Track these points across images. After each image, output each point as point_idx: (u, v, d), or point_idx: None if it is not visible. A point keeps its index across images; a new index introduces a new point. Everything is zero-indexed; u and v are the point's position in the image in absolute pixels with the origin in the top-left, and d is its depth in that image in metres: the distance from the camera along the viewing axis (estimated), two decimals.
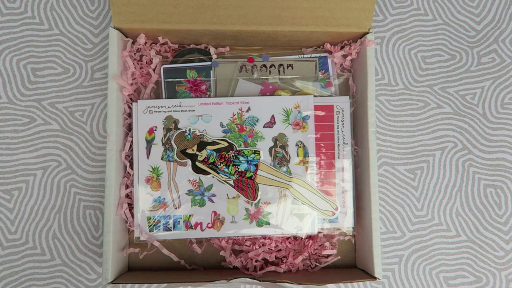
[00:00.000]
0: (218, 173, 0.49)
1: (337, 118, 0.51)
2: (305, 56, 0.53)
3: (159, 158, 0.49)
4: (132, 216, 0.49)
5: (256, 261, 0.51)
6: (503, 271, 0.55)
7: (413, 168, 0.56)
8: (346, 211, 0.50)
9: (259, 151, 0.49)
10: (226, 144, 0.49)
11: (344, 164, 0.50)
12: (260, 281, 0.44)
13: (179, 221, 0.49)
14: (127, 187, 0.50)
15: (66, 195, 0.53)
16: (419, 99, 0.56)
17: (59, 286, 0.52)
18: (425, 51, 0.57)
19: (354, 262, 0.53)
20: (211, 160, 0.49)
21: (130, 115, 0.51)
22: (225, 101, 0.50)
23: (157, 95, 0.53)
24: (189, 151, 0.49)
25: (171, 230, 0.49)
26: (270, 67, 0.53)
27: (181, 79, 0.52)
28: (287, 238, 0.51)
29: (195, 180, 0.49)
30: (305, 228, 0.49)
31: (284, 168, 0.49)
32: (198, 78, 0.52)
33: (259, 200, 0.49)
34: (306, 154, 0.50)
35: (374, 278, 0.46)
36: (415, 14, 0.57)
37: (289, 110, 0.50)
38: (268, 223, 0.49)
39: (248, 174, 0.49)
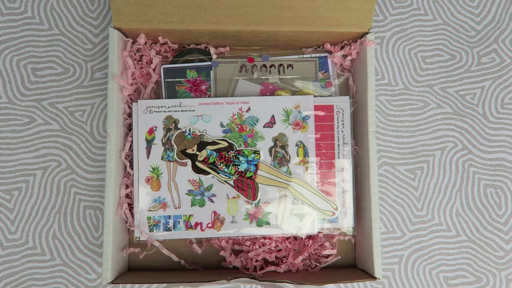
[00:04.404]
0: (218, 173, 0.49)
1: (337, 118, 0.51)
2: (305, 56, 0.53)
3: (159, 158, 0.49)
4: (132, 216, 0.49)
5: (256, 261, 0.51)
6: (503, 271, 0.55)
7: (413, 168, 0.56)
8: (346, 211, 0.50)
9: (259, 151, 0.49)
10: (226, 144, 0.49)
11: (344, 164, 0.50)
12: (260, 281, 0.44)
13: (179, 221, 0.49)
14: (127, 187, 0.50)
15: (66, 195, 0.53)
16: (419, 99, 0.56)
17: (59, 286, 0.52)
18: (425, 51, 0.57)
19: (354, 262, 0.53)
20: (211, 160, 0.49)
21: (130, 115, 0.51)
22: (225, 101, 0.50)
23: (157, 95, 0.53)
24: (189, 151, 0.49)
25: (171, 230, 0.49)
26: (270, 67, 0.53)
27: (181, 79, 0.52)
28: (287, 238, 0.51)
29: (195, 180, 0.49)
30: (305, 228, 0.49)
31: (284, 168, 0.49)
32: (198, 78, 0.52)
33: (259, 200, 0.49)
34: (306, 154, 0.50)
35: (374, 278, 0.46)
36: (415, 14, 0.57)
37: (289, 110, 0.50)
38: (268, 223, 0.49)
39: (248, 174, 0.49)
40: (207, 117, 0.50)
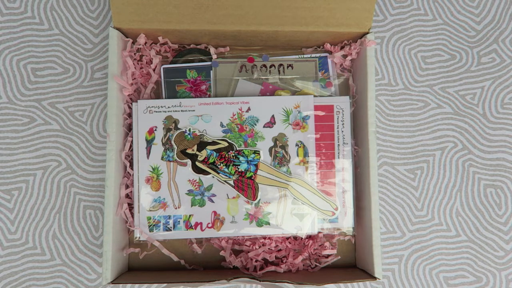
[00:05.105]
0: (218, 173, 0.49)
1: (337, 118, 0.51)
2: (305, 56, 0.53)
3: (159, 158, 0.49)
4: (132, 216, 0.49)
5: (256, 261, 0.51)
6: (503, 271, 0.55)
7: (413, 168, 0.56)
8: (346, 211, 0.50)
9: (259, 151, 0.49)
10: (226, 144, 0.49)
11: (344, 164, 0.50)
12: (260, 281, 0.44)
13: (179, 221, 0.49)
14: (127, 187, 0.50)
15: (66, 195, 0.53)
16: (419, 99, 0.56)
17: (59, 286, 0.52)
18: (425, 51, 0.57)
19: (354, 262, 0.53)
20: (211, 160, 0.49)
21: (130, 115, 0.51)
22: (225, 101, 0.50)
23: (157, 95, 0.53)
24: (189, 151, 0.49)
25: (171, 230, 0.49)
26: (270, 67, 0.53)
27: (181, 79, 0.52)
28: (287, 238, 0.51)
29: (195, 180, 0.49)
30: (305, 228, 0.49)
31: (284, 168, 0.49)
32: (198, 78, 0.52)
33: (259, 200, 0.49)
34: (306, 154, 0.50)
35: (374, 278, 0.46)
36: (415, 14, 0.57)
37: (289, 110, 0.50)
38: (268, 223, 0.49)
39: (248, 174, 0.49)
40: (207, 117, 0.50)
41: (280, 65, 0.53)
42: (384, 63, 0.57)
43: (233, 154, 0.49)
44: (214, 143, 0.49)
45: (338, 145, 0.51)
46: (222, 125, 0.50)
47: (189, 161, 0.49)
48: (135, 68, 0.51)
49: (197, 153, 0.49)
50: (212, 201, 0.49)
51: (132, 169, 0.49)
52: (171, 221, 0.49)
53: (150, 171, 0.49)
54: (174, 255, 0.51)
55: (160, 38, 0.51)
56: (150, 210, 0.49)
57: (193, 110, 0.50)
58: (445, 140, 0.56)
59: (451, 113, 0.56)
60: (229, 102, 0.50)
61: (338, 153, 0.51)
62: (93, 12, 0.55)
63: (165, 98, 0.52)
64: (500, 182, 0.56)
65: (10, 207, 0.53)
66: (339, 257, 0.52)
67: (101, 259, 0.53)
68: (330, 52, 0.54)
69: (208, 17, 0.48)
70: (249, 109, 0.50)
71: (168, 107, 0.50)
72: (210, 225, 0.49)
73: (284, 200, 0.49)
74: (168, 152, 0.49)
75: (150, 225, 0.49)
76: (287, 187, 0.49)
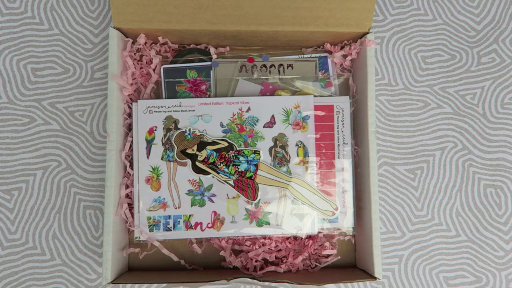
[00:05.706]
0: (218, 173, 0.49)
1: (337, 118, 0.51)
2: (305, 56, 0.53)
3: (159, 158, 0.49)
4: (132, 216, 0.49)
5: (256, 261, 0.51)
6: (503, 271, 0.55)
7: (413, 168, 0.56)
8: (346, 211, 0.50)
9: (259, 151, 0.49)
10: (226, 144, 0.49)
11: (344, 164, 0.50)
12: (260, 281, 0.44)
13: (179, 221, 0.49)
14: (127, 187, 0.50)
15: (66, 195, 0.53)
16: (419, 99, 0.56)
17: (59, 286, 0.52)
18: (425, 51, 0.57)
19: (354, 262, 0.53)
20: (211, 160, 0.49)
21: (130, 115, 0.51)
22: (225, 101, 0.50)
23: (157, 95, 0.53)
24: (189, 151, 0.49)
25: (171, 230, 0.49)
26: (270, 67, 0.53)
27: (181, 79, 0.52)
28: (287, 238, 0.51)
29: (195, 180, 0.49)
30: (305, 228, 0.49)
31: (284, 168, 0.49)
32: (198, 78, 0.52)
33: (259, 200, 0.49)
34: (306, 154, 0.50)
35: (374, 278, 0.46)
36: (415, 14, 0.57)
37: (289, 110, 0.50)
38: (268, 223, 0.49)
39: (248, 174, 0.49)
40: (207, 117, 0.50)
41: (280, 65, 0.53)
42: (384, 63, 0.57)
43: (233, 154, 0.49)
44: (214, 143, 0.49)
45: (338, 145, 0.51)
46: (222, 125, 0.50)
47: (189, 161, 0.49)
48: (135, 68, 0.51)
49: (197, 153, 0.49)
50: (212, 201, 0.49)
51: (132, 169, 0.49)
52: (171, 221, 0.49)
53: (150, 171, 0.49)
54: (174, 255, 0.51)
55: (160, 38, 0.51)
56: (150, 210, 0.49)
57: (193, 110, 0.50)
58: (445, 140, 0.56)
59: (451, 113, 0.56)
60: (229, 102, 0.50)
61: (338, 153, 0.51)
62: (93, 12, 0.55)
63: (165, 98, 0.52)
64: (500, 182, 0.56)
65: (10, 207, 0.53)
66: (339, 257, 0.52)
67: (101, 259, 0.53)
68: (330, 52, 0.54)
69: (208, 17, 0.48)
70: (249, 109, 0.50)
71: (168, 107, 0.50)
72: (210, 225, 0.49)
73: (284, 200, 0.49)
74: (168, 152, 0.49)
75: (150, 225, 0.49)
76: (287, 187, 0.49)
